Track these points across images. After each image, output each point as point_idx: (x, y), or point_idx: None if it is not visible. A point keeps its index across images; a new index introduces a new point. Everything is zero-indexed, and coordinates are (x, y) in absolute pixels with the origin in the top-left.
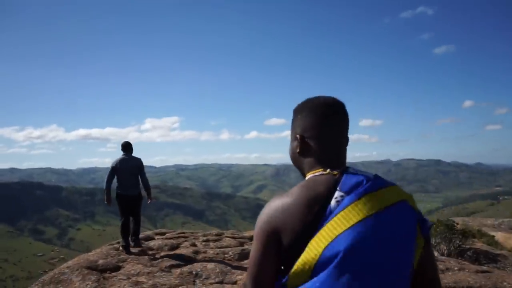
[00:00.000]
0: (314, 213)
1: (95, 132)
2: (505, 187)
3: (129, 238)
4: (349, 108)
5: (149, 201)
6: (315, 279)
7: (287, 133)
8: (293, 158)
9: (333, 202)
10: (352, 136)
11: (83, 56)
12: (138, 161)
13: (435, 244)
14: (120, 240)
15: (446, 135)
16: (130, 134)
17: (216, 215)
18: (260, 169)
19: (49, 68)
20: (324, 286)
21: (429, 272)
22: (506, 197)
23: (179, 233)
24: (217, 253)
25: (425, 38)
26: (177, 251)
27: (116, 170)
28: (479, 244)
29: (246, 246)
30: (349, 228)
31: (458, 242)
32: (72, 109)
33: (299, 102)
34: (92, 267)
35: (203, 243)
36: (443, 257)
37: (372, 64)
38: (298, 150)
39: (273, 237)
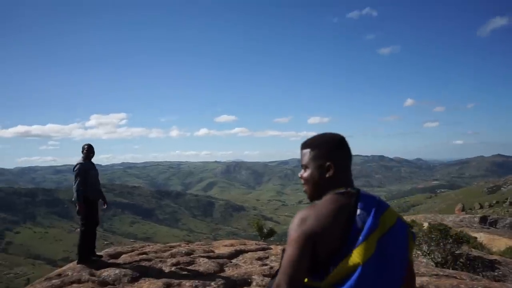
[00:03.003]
0: (344, 221)
1: (35, 128)
2: (441, 180)
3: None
4: (298, 107)
5: (105, 205)
6: (349, 282)
7: (238, 130)
8: (317, 181)
9: (358, 215)
10: (301, 133)
11: (21, 48)
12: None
13: (428, 252)
14: (77, 256)
15: (389, 131)
16: (74, 131)
17: (166, 213)
18: (210, 166)
19: None
20: (357, 284)
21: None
22: (442, 190)
23: (139, 254)
24: (196, 286)
25: (370, 38)
26: (141, 284)
27: (87, 173)
28: (465, 248)
29: (228, 271)
30: (376, 243)
31: (452, 249)
32: (9, 105)
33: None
34: None
35: (173, 267)
36: (452, 271)
37: (320, 63)
38: (327, 175)
39: (310, 241)
